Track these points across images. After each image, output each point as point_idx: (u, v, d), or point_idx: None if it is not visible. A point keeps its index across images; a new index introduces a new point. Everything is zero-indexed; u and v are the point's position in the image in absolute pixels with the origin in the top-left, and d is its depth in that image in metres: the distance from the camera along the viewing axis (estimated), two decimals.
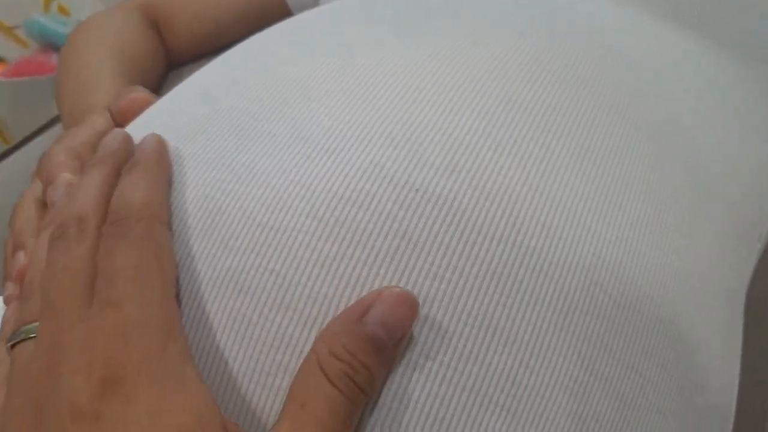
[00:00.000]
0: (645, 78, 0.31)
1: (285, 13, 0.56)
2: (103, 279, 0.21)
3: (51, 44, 0.97)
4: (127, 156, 0.26)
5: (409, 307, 0.21)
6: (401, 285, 0.22)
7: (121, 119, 0.33)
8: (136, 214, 0.22)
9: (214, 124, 0.26)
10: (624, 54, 0.32)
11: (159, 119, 0.30)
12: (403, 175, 0.23)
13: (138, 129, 0.30)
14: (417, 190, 0.23)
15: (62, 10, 1.03)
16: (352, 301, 0.21)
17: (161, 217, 0.23)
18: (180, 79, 0.65)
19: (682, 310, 0.26)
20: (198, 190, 0.24)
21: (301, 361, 0.21)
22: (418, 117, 0.25)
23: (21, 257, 0.29)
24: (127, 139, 0.27)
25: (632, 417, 0.23)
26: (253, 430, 0.21)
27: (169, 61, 0.59)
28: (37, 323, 0.22)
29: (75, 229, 0.23)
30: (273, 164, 0.24)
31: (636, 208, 0.26)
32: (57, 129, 0.68)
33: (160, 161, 0.25)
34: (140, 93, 0.33)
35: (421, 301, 0.21)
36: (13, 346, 0.23)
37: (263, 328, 0.22)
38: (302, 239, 0.22)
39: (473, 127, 0.25)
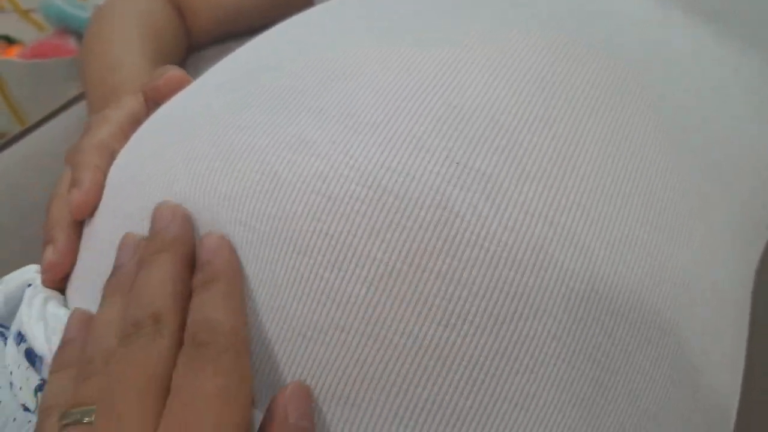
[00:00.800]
0: (668, 69, 0.32)
1: None
2: (181, 401, 0.20)
3: (67, 27, 0.98)
4: (191, 243, 0.25)
5: (307, 394, 0.23)
6: (441, 252, 0.23)
7: (157, 97, 0.33)
8: (224, 342, 0.21)
9: (259, 99, 0.27)
10: (647, 44, 0.33)
11: (200, 97, 0.30)
12: (444, 149, 0.24)
13: (180, 108, 0.31)
14: (457, 163, 0.24)
15: None
16: (397, 263, 0.23)
17: (246, 346, 0.22)
18: (200, 62, 0.66)
19: (687, 315, 0.26)
20: (253, 156, 0.25)
21: (352, 315, 0.22)
22: (458, 94, 0.26)
23: (49, 252, 0.30)
24: (187, 221, 0.25)
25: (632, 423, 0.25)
26: (309, 383, 0.23)
27: (189, 43, 0.60)
28: (94, 407, 0.21)
29: (151, 328, 0.22)
30: (323, 136, 0.25)
31: (649, 207, 0.26)
32: (73, 111, 0.69)
33: (238, 277, 0.24)
34: (176, 72, 0.34)
35: (461, 268, 0.23)
36: (65, 425, 0.22)
37: (318, 286, 0.23)
38: (354, 206, 0.23)
39: (509, 107, 0.26)
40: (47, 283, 0.29)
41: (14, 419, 0.27)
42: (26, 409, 0.27)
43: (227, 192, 0.25)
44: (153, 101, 0.34)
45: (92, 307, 0.26)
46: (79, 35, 0.97)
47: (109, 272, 0.26)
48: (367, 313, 0.22)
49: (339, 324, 0.22)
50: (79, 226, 0.30)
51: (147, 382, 0.21)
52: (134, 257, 0.25)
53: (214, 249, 0.24)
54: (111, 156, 0.32)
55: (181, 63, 0.59)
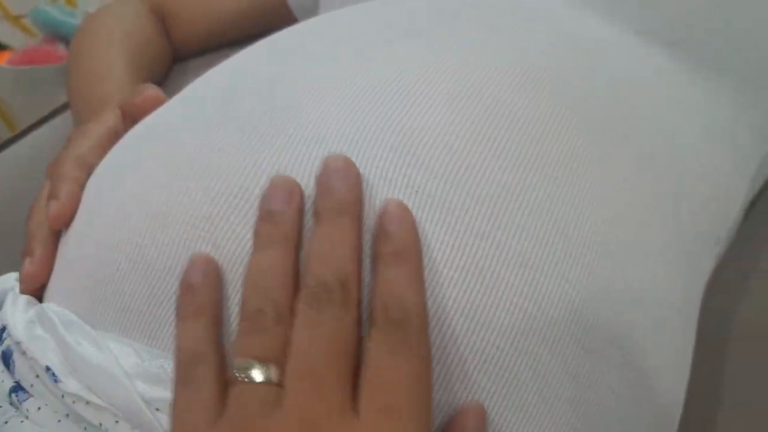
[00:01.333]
0: (628, 90, 0.34)
1: (285, 12, 0.59)
2: (381, 379, 0.21)
3: (57, 34, 0.99)
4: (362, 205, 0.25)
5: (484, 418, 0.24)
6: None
7: (135, 114, 0.35)
8: (417, 323, 0.22)
9: (234, 123, 0.29)
10: (608, 67, 0.35)
11: (178, 115, 0.32)
12: (404, 178, 0.26)
13: (158, 124, 0.32)
14: (416, 191, 0.26)
15: (69, 1, 1.05)
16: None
17: (428, 328, 0.23)
18: (184, 73, 0.68)
19: (635, 326, 0.28)
20: (229, 178, 0.26)
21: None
22: (417, 122, 0.27)
23: (27, 263, 0.31)
24: (358, 180, 0.25)
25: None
26: None
27: (174, 55, 0.61)
28: (272, 365, 0.22)
29: (340, 295, 0.22)
30: (295, 164, 0.26)
31: (601, 223, 0.28)
32: (63, 117, 0.70)
33: (420, 253, 0.24)
34: (153, 91, 0.35)
35: (429, 289, 0.24)
36: (239, 377, 0.22)
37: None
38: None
39: (463, 134, 0.27)
40: (25, 292, 0.31)
41: None
42: None
43: (202, 211, 0.26)
44: (131, 117, 0.35)
45: (70, 303, 0.28)
46: (68, 41, 0.98)
47: (86, 271, 0.28)
48: None
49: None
50: (56, 237, 0.32)
51: (343, 352, 0.22)
52: (291, 204, 0.25)
53: (398, 220, 0.24)
54: (89, 169, 0.33)
55: (165, 74, 0.61)
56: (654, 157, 0.33)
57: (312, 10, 0.56)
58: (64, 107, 0.68)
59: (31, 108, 0.91)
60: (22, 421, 0.25)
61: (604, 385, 0.27)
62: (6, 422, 0.25)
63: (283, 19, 0.57)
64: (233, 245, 0.25)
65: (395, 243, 0.23)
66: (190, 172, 0.28)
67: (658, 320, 0.30)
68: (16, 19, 1.04)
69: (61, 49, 0.97)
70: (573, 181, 0.28)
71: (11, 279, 0.32)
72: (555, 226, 0.27)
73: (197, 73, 0.36)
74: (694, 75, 0.38)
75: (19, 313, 0.29)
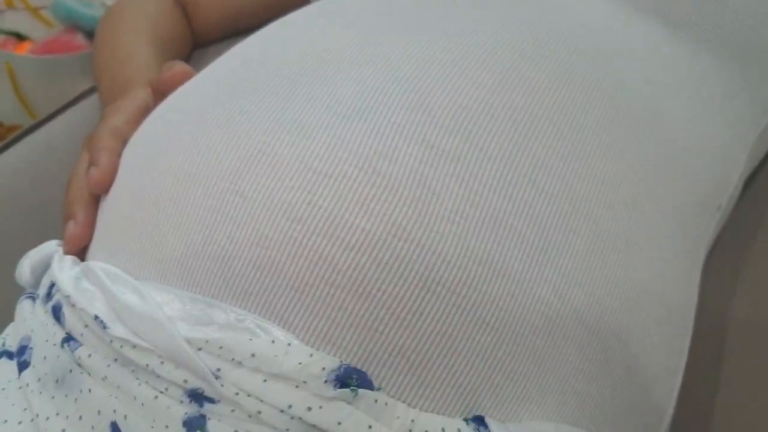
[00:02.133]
0: (625, 64, 0.36)
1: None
2: None
3: (76, 25, 1.01)
4: None
5: None
6: (419, 224, 0.26)
7: (164, 89, 0.37)
8: None
9: (257, 87, 0.31)
10: (606, 41, 0.36)
11: (204, 87, 0.34)
12: (420, 134, 0.28)
13: (186, 94, 0.34)
14: (431, 147, 0.28)
15: None
16: (383, 232, 0.26)
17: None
18: (204, 58, 0.70)
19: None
20: (253, 136, 0.29)
21: (341, 276, 0.26)
22: (430, 86, 0.29)
23: (71, 226, 0.33)
24: None
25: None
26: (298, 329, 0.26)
27: (194, 41, 0.63)
28: None
29: None
30: (316, 120, 0.29)
31: (605, 180, 0.30)
32: (83, 105, 0.72)
33: None
34: (182, 66, 0.38)
35: (437, 238, 0.26)
36: None
37: (310, 249, 0.26)
38: (346, 183, 0.27)
39: (476, 96, 0.29)
40: (69, 253, 0.33)
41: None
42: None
43: (229, 167, 0.28)
44: (160, 92, 0.37)
45: (113, 260, 0.30)
46: (87, 32, 1.00)
47: (126, 230, 0.30)
48: (354, 273, 0.26)
49: (327, 280, 0.26)
50: (96, 201, 0.34)
51: None
52: None
53: None
54: (124, 141, 0.35)
55: (186, 58, 0.63)
56: (656, 125, 0.35)
57: None
58: (85, 95, 0.70)
59: (50, 97, 0.94)
60: (90, 390, 0.27)
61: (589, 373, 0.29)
62: (81, 391, 0.28)
63: (301, 5, 0.59)
64: (258, 195, 0.27)
65: None
66: (217, 132, 0.30)
67: (657, 285, 0.32)
68: (36, 11, 1.06)
69: (80, 39, 0.99)
70: (579, 141, 0.30)
71: (53, 245, 0.35)
72: (563, 181, 0.29)
73: (216, 58, 0.38)
74: (693, 49, 0.40)
75: (66, 270, 0.31)
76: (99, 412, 0.26)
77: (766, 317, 0.40)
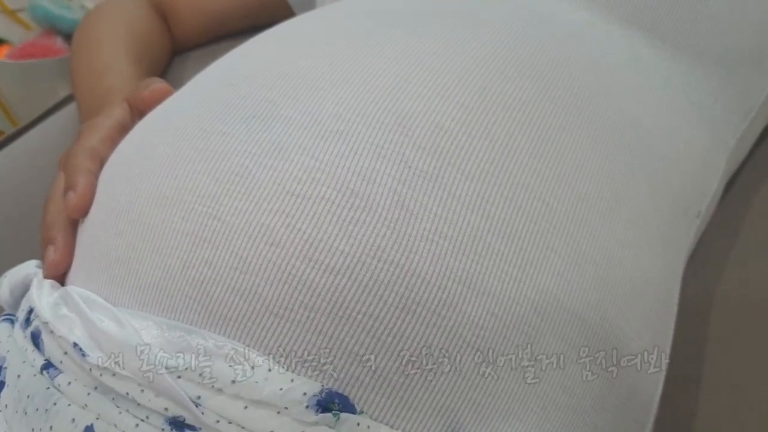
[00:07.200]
0: (605, 76, 0.36)
1: (282, 6, 0.60)
2: None
3: (54, 28, 1.00)
4: None
5: None
6: (397, 245, 0.26)
7: (142, 107, 0.36)
8: None
9: (236, 108, 0.31)
10: (585, 52, 0.37)
11: (183, 106, 0.33)
12: (398, 155, 0.28)
13: (165, 114, 0.34)
14: (409, 167, 0.28)
15: None
16: (362, 254, 0.26)
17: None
18: (184, 65, 0.69)
19: (614, 315, 0.30)
20: (231, 159, 0.29)
21: (321, 300, 0.26)
22: (408, 106, 0.29)
23: (51, 252, 0.33)
24: None
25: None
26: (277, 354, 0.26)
27: (174, 47, 0.63)
28: None
29: None
30: (294, 142, 0.28)
31: (582, 197, 0.30)
32: (65, 111, 0.71)
33: None
34: (160, 84, 0.37)
35: (416, 259, 0.26)
36: None
37: (290, 274, 0.26)
38: (325, 205, 0.27)
39: (453, 116, 0.29)
40: (49, 278, 0.33)
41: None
42: None
43: (206, 190, 0.28)
44: (138, 110, 0.37)
45: (91, 285, 0.30)
46: (65, 35, 0.99)
47: (103, 254, 0.30)
48: (334, 296, 0.26)
49: (307, 304, 0.26)
50: (74, 225, 0.34)
51: None
52: None
53: None
54: (101, 161, 0.35)
55: (167, 66, 0.63)
56: (635, 136, 0.35)
57: (309, 5, 0.57)
58: (67, 101, 0.70)
59: (31, 101, 0.93)
60: (69, 405, 0.27)
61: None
62: (54, 404, 0.27)
63: (282, 13, 0.58)
64: (236, 219, 0.27)
65: None
66: (195, 155, 0.30)
67: (636, 298, 0.32)
68: (13, 13, 1.05)
69: (59, 42, 0.98)
70: (556, 158, 0.30)
71: (32, 266, 0.34)
72: (540, 199, 0.29)
73: (197, 64, 0.38)
74: (672, 57, 0.40)
75: (45, 296, 0.31)
76: (73, 419, 0.26)
77: (747, 320, 0.41)
